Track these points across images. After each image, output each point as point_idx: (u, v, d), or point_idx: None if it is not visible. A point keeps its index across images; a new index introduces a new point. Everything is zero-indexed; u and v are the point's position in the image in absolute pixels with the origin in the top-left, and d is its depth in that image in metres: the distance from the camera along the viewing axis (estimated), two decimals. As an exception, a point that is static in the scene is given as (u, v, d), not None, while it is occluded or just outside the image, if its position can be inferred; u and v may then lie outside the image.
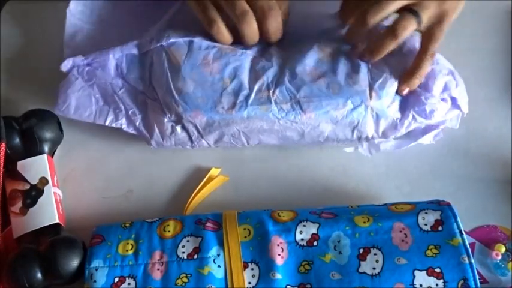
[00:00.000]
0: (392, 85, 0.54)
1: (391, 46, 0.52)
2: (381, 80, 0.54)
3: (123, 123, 0.56)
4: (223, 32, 0.54)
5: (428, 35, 0.53)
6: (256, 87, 0.54)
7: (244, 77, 0.54)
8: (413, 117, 0.55)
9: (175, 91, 0.54)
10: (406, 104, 0.55)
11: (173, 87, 0.54)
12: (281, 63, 0.55)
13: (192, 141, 0.56)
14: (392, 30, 0.52)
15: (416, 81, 0.54)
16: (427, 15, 0.52)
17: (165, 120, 0.55)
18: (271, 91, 0.53)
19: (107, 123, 0.56)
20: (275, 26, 0.54)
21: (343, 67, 0.54)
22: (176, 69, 0.54)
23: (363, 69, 0.54)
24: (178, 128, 0.55)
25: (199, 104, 0.54)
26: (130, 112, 0.56)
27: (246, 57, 0.55)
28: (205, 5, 0.53)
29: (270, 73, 0.54)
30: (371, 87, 0.54)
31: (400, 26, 0.51)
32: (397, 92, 0.55)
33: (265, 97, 0.53)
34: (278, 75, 0.54)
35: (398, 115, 0.55)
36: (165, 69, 0.55)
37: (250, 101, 0.53)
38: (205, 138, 0.55)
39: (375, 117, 0.54)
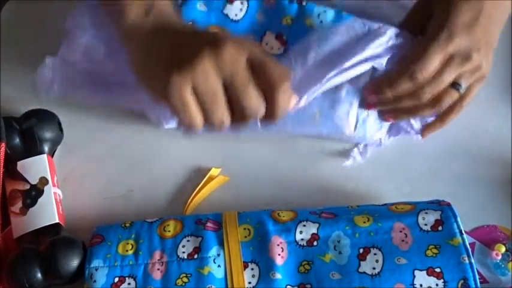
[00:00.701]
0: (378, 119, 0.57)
1: (429, 114, 0.54)
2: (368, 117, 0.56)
3: None
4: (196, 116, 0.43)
5: (466, 93, 0.53)
6: None
7: None
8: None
9: None
10: (394, 132, 0.58)
11: None
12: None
13: None
14: (435, 106, 0.52)
15: (443, 127, 0.55)
16: (468, 83, 0.52)
17: None
18: None
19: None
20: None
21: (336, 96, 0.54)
22: None
23: (353, 104, 0.55)
24: None
25: None
26: None
27: None
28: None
29: None
30: (356, 123, 0.56)
31: (444, 104, 0.52)
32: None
33: None
34: None
35: (382, 135, 0.57)
36: None
37: None
38: None
39: (356, 139, 0.57)
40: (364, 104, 0.55)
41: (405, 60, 0.51)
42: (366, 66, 0.52)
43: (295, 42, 0.55)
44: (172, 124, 0.56)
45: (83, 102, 0.58)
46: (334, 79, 0.52)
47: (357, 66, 0.52)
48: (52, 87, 0.56)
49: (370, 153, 0.58)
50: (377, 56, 0.52)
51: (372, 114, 0.56)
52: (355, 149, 0.58)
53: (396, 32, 0.53)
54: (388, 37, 0.52)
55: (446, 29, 0.49)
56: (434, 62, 0.49)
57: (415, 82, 0.50)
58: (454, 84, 0.51)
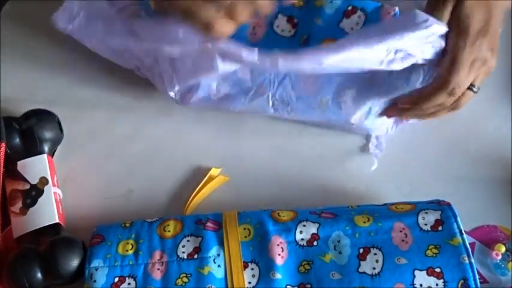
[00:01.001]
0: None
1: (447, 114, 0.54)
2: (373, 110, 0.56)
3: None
4: (223, 25, 0.47)
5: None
6: (258, 82, 0.54)
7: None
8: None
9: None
10: (401, 121, 0.58)
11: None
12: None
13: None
14: (453, 108, 0.53)
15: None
16: (480, 82, 0.52)
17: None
18: (271, 90, 0.54)
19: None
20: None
21: (342, 85, 0.54)
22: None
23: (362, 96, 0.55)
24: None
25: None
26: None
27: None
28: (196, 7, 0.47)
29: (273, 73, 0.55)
30: (368, 114, 0.55)
31: (462, 104, 0.52)
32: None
33: (265, 94, 0.55)
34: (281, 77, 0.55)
35: (389, 125, 0.57)
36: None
37: (249, 95, 0.55)
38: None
39: (364, 129, 0.57)
40: (386, 114, 0.56)
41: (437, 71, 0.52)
42: (394, 55, 0.49)
43: (305, 23, 0.56)
44: (176, 90, 0.55)
45: (95, 46, 0.56)
46: (358, 62, 0.49)
47: (385, 50, 0.49)
48: (73, 22, 0.55)
49: (385, 144, 0.58)
50: (411, 48, 0.49)
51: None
52: (371, 146, 0.58)
53: (441, 30, 0.50)
54: (430, 32, 0.49)
55: (468, 36, 0.49)
56: (465, 73, 0.50)
57: (453, 96, 0.51)
58: (469, 86, 0.51)
